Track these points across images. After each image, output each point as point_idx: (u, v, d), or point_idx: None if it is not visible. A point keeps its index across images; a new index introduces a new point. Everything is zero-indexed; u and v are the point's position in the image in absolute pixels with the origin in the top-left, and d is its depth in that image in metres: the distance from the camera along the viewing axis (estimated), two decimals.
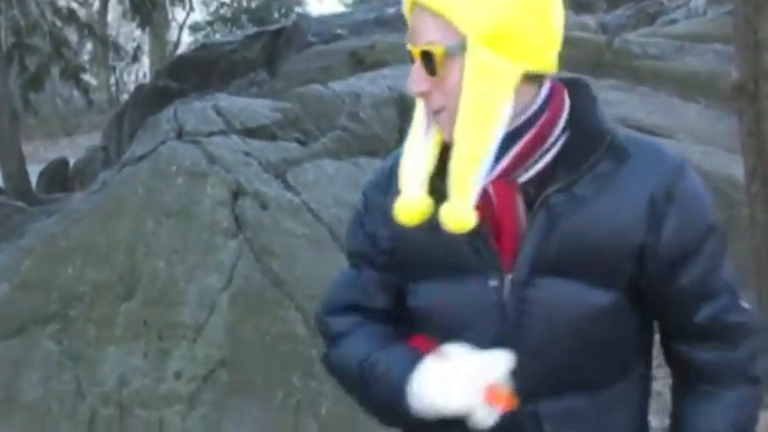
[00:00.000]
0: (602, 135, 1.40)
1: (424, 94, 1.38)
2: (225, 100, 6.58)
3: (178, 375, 4.78)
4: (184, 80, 12.26)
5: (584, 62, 7.13)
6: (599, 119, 1.42)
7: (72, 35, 16.27)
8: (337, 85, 6.71)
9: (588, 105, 1.44)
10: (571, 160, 1.38)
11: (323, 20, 12.36)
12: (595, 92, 1.49)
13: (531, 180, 1.39)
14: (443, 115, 1.37)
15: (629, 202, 1.37)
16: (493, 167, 1.35)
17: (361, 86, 6.61)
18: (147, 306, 5.00)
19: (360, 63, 9.12)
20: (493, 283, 1.42)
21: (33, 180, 12.54)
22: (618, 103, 6.49)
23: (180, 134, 5.82)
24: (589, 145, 1.39)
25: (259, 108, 6.31)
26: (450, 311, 1.47)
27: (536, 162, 1.38)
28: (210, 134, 5.78)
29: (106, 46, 19.15)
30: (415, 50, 1.35)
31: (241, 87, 10.31)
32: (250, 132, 5.90)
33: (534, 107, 1.37)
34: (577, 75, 1.48)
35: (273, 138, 5.95)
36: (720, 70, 6.40)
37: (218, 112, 6.08)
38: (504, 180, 1.38)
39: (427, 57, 1.34)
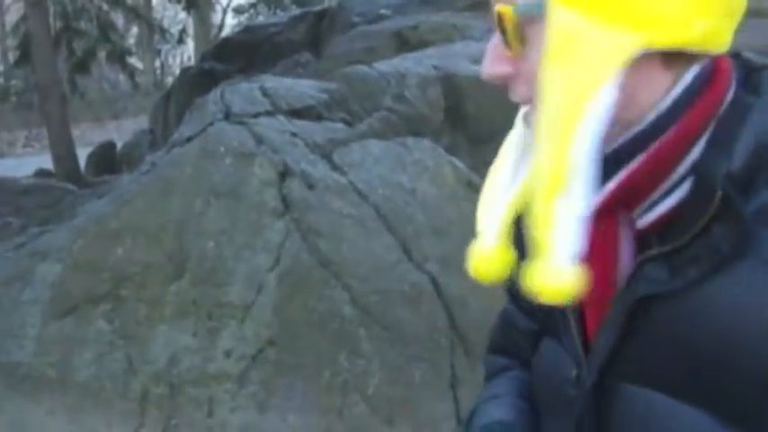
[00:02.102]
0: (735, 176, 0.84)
1: (500, 80, 0.94)
2: (271, 81, 6.60)
3: (227, 354, 4.84)
4: (229, 62, 12.32)
5: None
6: (749, 143, 0.86)
7: (118, 19, 16.45)
8: (382, 66, 6.69)
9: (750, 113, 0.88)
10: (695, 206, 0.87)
11: (367, 0, 12.31)
12: None
13: (654, 225, 0.92)
14: (533, 116, 0.92)
15: (761, 293, 0.81)
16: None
17: (407, 66, 6.58)
18: (197, 286, 5.05)
19: (404, 43, 9.09)
20: (573, 371, 1.02)
21: (82, 163, 12.74)
22: None
23: (227, 115, 5.86)
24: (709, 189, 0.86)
25: (305, 89, 6.32)
26: (538, 385, 1.16)
27: (665, 197, 0.91)
28: (257, 115, 5.80)
29: (152, 29, 19.33)
30: (494, 12, 0.92)
31: (286, 69, 10.33)
32: (296, 113, 5.92)
33: (664, 106, 0.89)
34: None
35: (319, 118, 5.96)
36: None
37: (265, 93, 6.10)
38: (609, 217, 0.93)
39: (501, 23, 0.91)
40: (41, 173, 12.36)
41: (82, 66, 13.61)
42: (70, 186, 10.15)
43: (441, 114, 5.93)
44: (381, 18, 10.88)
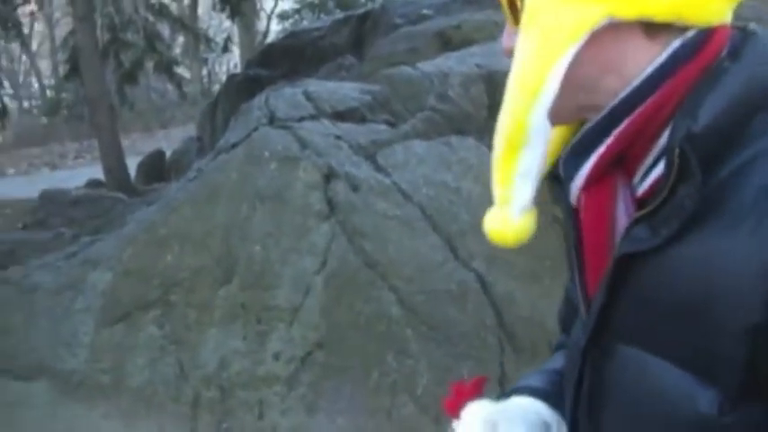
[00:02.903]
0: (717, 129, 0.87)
1: (511, 54, 0.97)
2: (314, 85, 6.63)
3: (276, 357, 4.86)
4: (274, 68, 12.38)
5: None
6: (730, 101, 0.88)
7: (164, 29, 16.66)
8: (425, 66, 6.68)
9: (737, 74, 0.90)
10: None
11: (409, 1, 12.29)
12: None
13: (649, 191, 0.94)
14: None
15: (734, 251, 0.84)
16: (581, 167, 0.97)
17: (449, 66, 6.56)
18: (245, 289, 5.09)
19: (447, 43, 9.06)
20: (579, 334, 1.06)
21: (132, 172, 12.91)
22: None
23: (272, 120, 5.89)
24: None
25: (348, 91, 6.33)
26: (567, 354, 1.18)
27: (656, 163, 0.93)
28: (301, 119, 5.83)
29: (197, 38, 19.54)
30: None
31: (329, 72, 10.36)
32: (340, 116, 5.94)
33: (647, 73, 0.92)
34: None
35: (363, 120, 5.97)
36: None
37: (308, 97, 6.13)
38: (605, 183, 0.97)
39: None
40: (93, 183, 12.55)
41: (130, 77, 13.83)
42: (121, 196, 10.29)
43: (484, 112, 5.89)
44: (424, 18, 10.85)
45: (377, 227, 5.02)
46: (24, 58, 34.21)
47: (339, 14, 16.82)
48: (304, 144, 5.47)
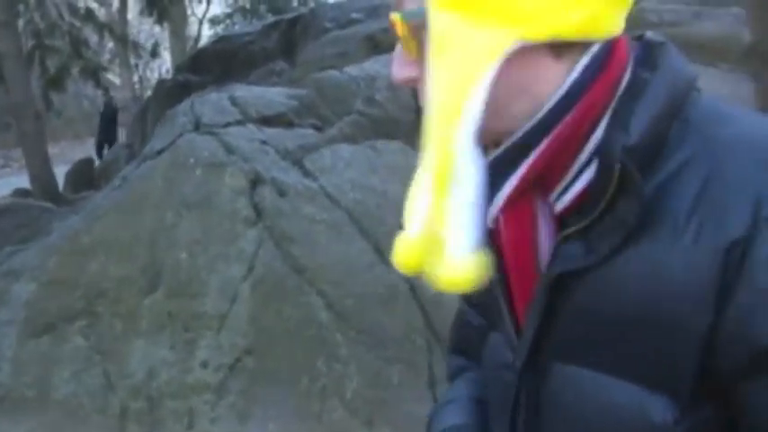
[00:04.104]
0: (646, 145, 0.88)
1: (408, 83, 0.97)
2: (241, 90, 6.59)
3: (205, 365, 4.82)
4: (204, 73, 12.28)
5: None
6: (651, 113, 0.89)
7: (91, 35, 16.40)
8: (353, 70, 6.69)
9: (645, 85, 0.91)
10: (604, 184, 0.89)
11: (339, 5, 12.30)
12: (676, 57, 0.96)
13: (570, 206, 0.93)
14: None
15: (678, 261, 0.85)
16: (499, 189, 0.94)
17: (377, 69, 6.58)
18: (171, 298, 5.03)
19: (376, 47, 9.08)
20: (509, 357, 1.04)
21: (60, 181, 12.67)
22: None
23: (197, 126, 5.84)
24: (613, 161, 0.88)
25: (275, 96, 6.31)
26: (487, 378, 1.16)
27: (577, 178, 0.92)
28: (227, 125, 5.79)
29: (125, 44, 19.26)
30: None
31: (260, 77, 10.32)
32: (266, 121, 5.91)
33: (560, 93, 0.90)
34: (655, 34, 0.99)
35: (290, 125, 5.95)
36: (739, 34, 6.32)
37: (234, 102, 6.09)
38: (525, 204, 0.95)
39: (397, 29, 0.94)
40: (19, 192, 12.28)
41: (55, 83, 13.56)
42: (48, 205, 10.08)
43: (412, 115, 5.92)
44: (353, 22, 10.87)
45: (304, 232, 5.01)
46: None
47: (270, 19, 16.76)
48: (230, 150, 5.44)
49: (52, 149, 13.32)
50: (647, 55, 0.94)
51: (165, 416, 4.83)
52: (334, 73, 6.79)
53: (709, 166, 0.86)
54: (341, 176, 5.29)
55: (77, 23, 14.20)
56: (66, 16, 13.70)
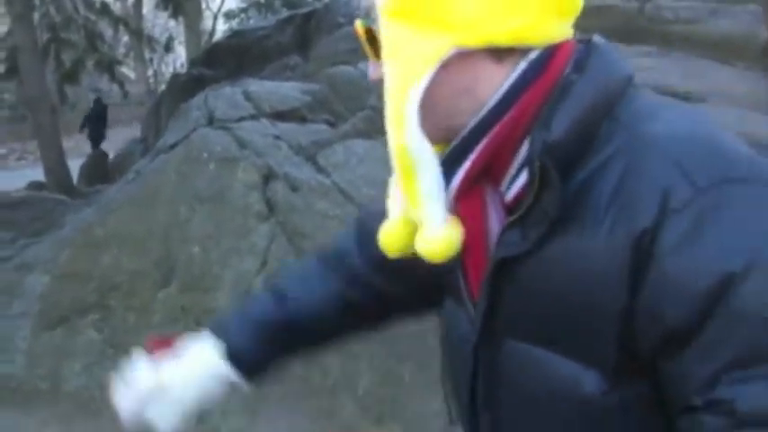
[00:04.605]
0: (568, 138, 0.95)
1: (381, 83, 1.05)
2: (254, 85, 6.60)
3: None
4: (218, 68, 12.28)
5: (616, 31, 7.02)
6: (576, 109, 0.96)
7: (106, 29, 16.43)
8: (365, 65, 6.68)
9: (574, 83, 0.98)
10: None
11: (352, 0, 12.28)
12: (611, 53, 1.03)
13: (516, 197, 1.02)
14: None
15: (598, 249, 0.93)
16: (451, 180, 1.02)
17: None
18: (184, 292, 5.05)
19: None
20: (467, 329, 1.12)
21: (75, 174, 12.72)
22: (650, 69, 6.38)
23: (211, 121, 5.85)
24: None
25: (288, 91, 6.31)
26: (445, 338, 1.24)
27: (519, 173, 1.00)
28: (240, 119, 5.80)
29: (139, 38, 19.29)
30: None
31: (274, 72, 10.31)
32: (280, 116, 5.91)
33: (499, 94, 0.99)
34: (591, 36, 1.05)
35: (303, 120, 5.95)
36: (756, 32, 6.27)
37: (248, 97, 6.10)
38: (476, 191, 1.04)
39: (360, 36, 1.07)
40: (34, 185, 12.33)
41: (71, 76, 13.59)
42: (63, 197, 10.12)
43: None
44: None
45: (317, 227, 5.00)
46: None
47: (285, 13, 16.76)
48: (243, 144, 5.44)
49: (67, 143, 13.32)
50: (582, 58, 1.01)
51: None
52: (346, 68, 6.79)
53: (627, 161, 0.93)
54: (354, 172, 5.28)
55: (93, 17, 14.22)
56: (82, 10, 13.72)
